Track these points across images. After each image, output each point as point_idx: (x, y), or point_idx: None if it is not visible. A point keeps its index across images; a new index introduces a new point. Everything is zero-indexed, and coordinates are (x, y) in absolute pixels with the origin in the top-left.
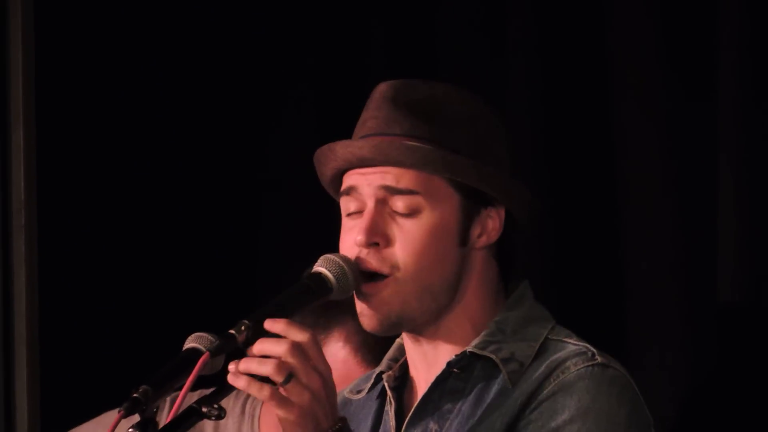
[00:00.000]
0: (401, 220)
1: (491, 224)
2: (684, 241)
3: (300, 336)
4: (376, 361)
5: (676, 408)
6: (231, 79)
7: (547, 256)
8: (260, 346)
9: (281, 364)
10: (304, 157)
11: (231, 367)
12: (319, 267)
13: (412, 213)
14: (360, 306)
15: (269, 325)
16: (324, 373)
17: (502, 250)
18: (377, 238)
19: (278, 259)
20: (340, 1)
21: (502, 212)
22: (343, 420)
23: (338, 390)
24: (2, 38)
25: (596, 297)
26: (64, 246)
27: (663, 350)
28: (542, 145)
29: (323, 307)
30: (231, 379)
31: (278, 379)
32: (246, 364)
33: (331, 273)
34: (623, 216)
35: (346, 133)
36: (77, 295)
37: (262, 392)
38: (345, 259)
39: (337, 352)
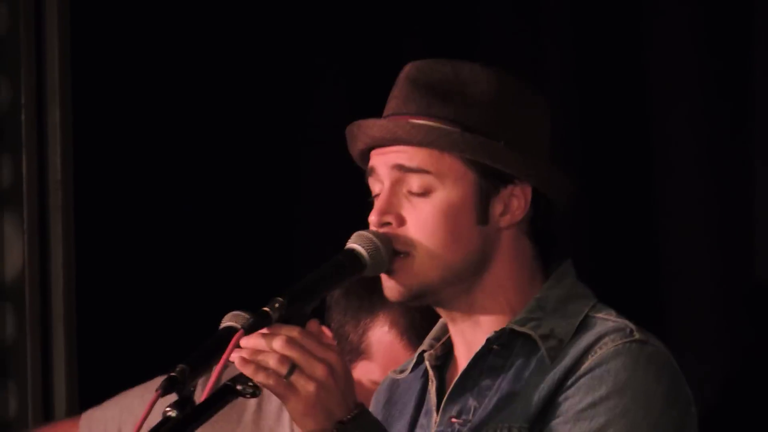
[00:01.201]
0: (415, 200)
1: (515, 203)
2: (720, 220)
3: (289, 331)
4: None
5: (713, 387)
6: (267, 59)
7: (582, 236)
8: (254, 341)
9: (282, 357)
10: (340, 135)
11: (239, 354)
12: (353, 243)
13: (424, 192)
14: (384, 279)
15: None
16: (330, 361)
17: (535, 228)
18: (389, 218)
19: (316, 235)
20: None
21: (528, 190)
22: (361, 406)
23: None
24: (38, 19)
25: (632, 278)
26: (101, 225)
27: (699, 330)
28: (578, 127)
29: (368, 290)
30: (239, 363)
31: (281, 370)
32: (252, 354)
33: (365, 249)
34: (659, 196)
35: (380, 113)
36: (114, 274)
37: (268, 380)
38: (378, 235)
39: (383, 336)
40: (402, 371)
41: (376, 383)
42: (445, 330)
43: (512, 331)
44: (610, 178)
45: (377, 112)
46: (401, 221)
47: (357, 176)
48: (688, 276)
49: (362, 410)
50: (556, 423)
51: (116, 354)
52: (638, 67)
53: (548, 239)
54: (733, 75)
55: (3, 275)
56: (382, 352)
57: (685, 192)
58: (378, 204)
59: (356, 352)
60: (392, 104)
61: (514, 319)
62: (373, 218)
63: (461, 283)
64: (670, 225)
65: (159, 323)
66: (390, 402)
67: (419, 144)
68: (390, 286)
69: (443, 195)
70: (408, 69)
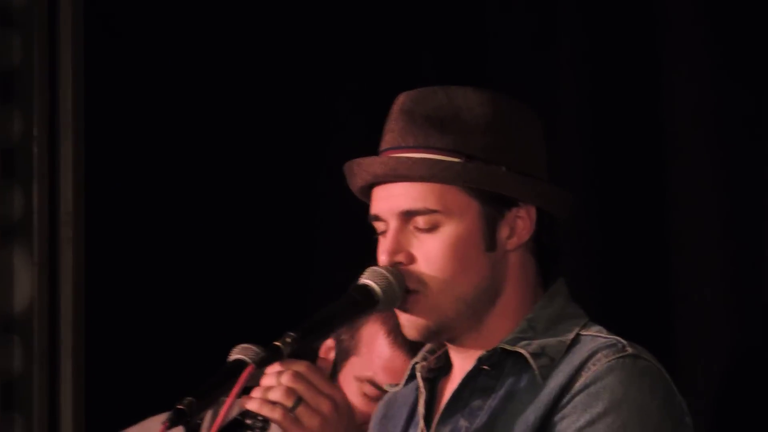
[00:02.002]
0: (422, 236)
1: (521, 224)
2: (731, 239)
3: (297, 366)
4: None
5: (720, 404)
6: (284, 80)
7: (593, 253)
8: (263, 381)
9: (288, 389)
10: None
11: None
12: (366, 279)
13: (431, 228)
14: (400, 317)
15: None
16: (334, 398)
17: (539, 245)
18: (399, 257)
19: (331, 270)
20: (391, 6)
21: (533, 211)
22: None
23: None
24: (51, 50)
25: (642, 295)
26: (112, 258)
27: (709, 349)
28: (590, 143)
29: None
30: (245, 401)
31: (287, 403)
32: (259, 390)
33: (378, 285)
34: (670, 214)
35: None
36: (124, 306)
37: (274, 413)
38: (391, 271)
39: (370, 332)
40: (397, 385)
41: (358, 378)
42: (441, 344)
43: (503, 350)
44: (621, 194)
45: None
46: (411, 259)
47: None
48: (699, 295)
49: None
50: None
51: (124, 388)
52: (652, 80)
53: (552, 255)
54: (748, 87)
55: (12, 307)
56: (366, 347)
57: (696, 210)
58: (387, 245)
59: (348, 351)
60: (389, 138)
61: (505, 339)
62: (383, 258)
63: (475, 315)
64: (681, 243)
65: (168, 358)
66: (386, 417)
67: (421, 179)
68: (408, 325)
69: (450, 229)
70: (401, 100)
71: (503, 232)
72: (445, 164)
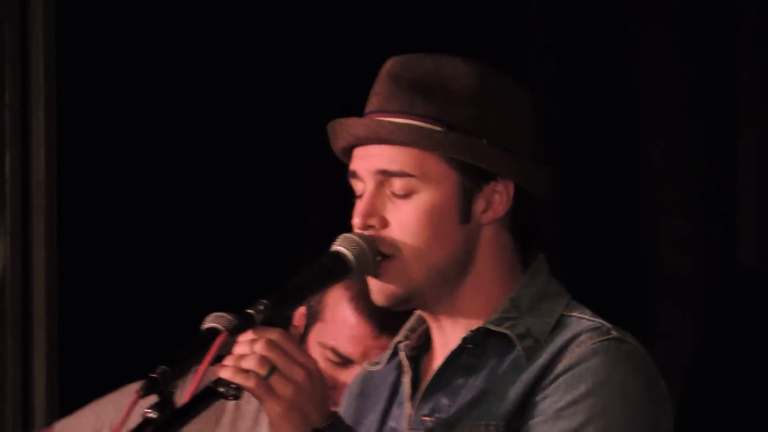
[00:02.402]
0: (398, 202)
1: (498, 199)
2: (704, 209)
3: (271, 333)
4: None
5: (695, 375)
6: (251, 52)
7: (568, 229)
8: (236, 348)
9: (262, 358)
10: (325, 134)
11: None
12: (339, 246)
13: (407, 194)
14: (370, 283)
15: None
16: (308, 367)
17: (516, 222)
18: (373, 221)
19: (300, 237)
20: None
21: (511, 186)
22: (335, 415)
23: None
24: (23, 19)
25: (616, 268)
26: (84, 226)
27: (683, 321)
28: (565, 117)
29: None
30: (218, 369)
31: (261, 371)
32: (232, 358)
33: (351, 252)
34: (643, 185)
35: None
36: (97, 274)
37: (248, 381)
38: (364, 237)
39: (335, 297)
40: (377, 363)
41: (322, 344)
42: (421, 321)
43: (487, 330)
44: (594, 169)
45: (362, 106)
46: (384, 223)
47: (343, 174)
48: (673, 268)
49: (337, 418)
50: (535, 421)
51: (98, 356)
52: (624, 49)
53: (529, 233)
54: (720, 50)
55: None
56: (331, 313)
57: (669, 181)
58: (361, 207)
59: (314, 317)
60: (374, 101)
61: (490, 318)
62: (356, 221)
63: (446, 284)
64: (654, 214)
65: (142, 326)
66: (363, 394)
67: (402, 144)
68: (377, 290)
69: (426, 196)
70: (390, 64)
71: (479, 205)
72: (426, 131)
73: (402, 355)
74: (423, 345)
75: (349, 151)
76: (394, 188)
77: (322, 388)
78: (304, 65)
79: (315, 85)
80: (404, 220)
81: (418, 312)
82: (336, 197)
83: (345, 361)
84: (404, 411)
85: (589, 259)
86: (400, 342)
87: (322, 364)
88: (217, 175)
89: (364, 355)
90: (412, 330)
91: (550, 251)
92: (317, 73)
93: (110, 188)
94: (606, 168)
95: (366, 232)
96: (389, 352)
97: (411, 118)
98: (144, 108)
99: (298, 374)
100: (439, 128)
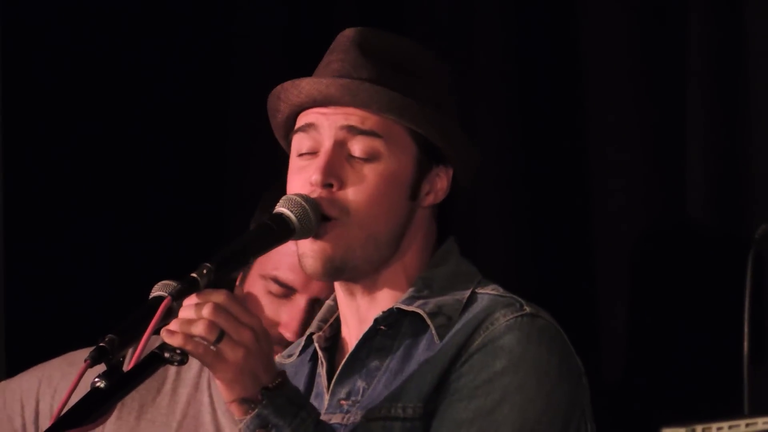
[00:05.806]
0: (358, 165)
1: (439, 183)
2: (653, 172)
3: (217, 297)
4: None
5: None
6: (195, 17)
7: (520, 212)
8: (182, 312)
9: (211, 323)
10: (268, 93)
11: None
12: (281, 207)
13: (370, 158)
14: (305, 247)
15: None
16: (255, 327)
17: (441, 210)
18: (332, 179)
19: (246, 201)
20: None
21: (450, 173)
22: (283, 374)
23: None
24: None
25: (566, 245)
26: (29, 189)
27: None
28: (513, 96)
29: None
30: (166, 336)
31: (210, 337)
32: (179, 324)
33: (294, 214)
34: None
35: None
36: (43, 238)
37: (198, 348)
38: (307, 199)
39: None
40: (290, 356)
41: (263, 276)
42: (332, 311)
43: (399, 310)
44: (544, 150)
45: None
46: (342, 184)
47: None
48: (619, 230)
49: (285, 377)
50: (451, 400)
51: (44, 322)
52: (572, 25)
53: (448, 221)
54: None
55: None
56: None
57: (619, 140)
58: (321, 163)
59: None
60: (337, 66)
61: (401, 298)
62: (316, 177)
63: (376, 259)
64: (602, 190)
65: (89, 295)
66: None
67: (378, 109)
68: (312, 254)
69: (388, 163)
70: (351, 33)
71: (425, 186)
72: (403, 101)
73: (317, 345)
74: (334, 336)
75: (294, 117)
76: (354, 150)
77: (268, 346)
78: (245, 32)
79: (253, 50)
80: (363, 184)
81: (328, 302)
82: (282, 160)
83: (287, 292)
84: (322, 403)
85: (540, 232)
86: (312, 333)
87: (264, 299)
88: (161, 140)
89: (305, 285)
90: (324, 321)
91: (498, 229)
92: (258, 38)
93: (54, 148)
94: (553, 137)
95: (320, 191)
96: (302, 343)
97: (383, 88)
98: (90, 64)
99: (247, 337)
100: (411, 101)
